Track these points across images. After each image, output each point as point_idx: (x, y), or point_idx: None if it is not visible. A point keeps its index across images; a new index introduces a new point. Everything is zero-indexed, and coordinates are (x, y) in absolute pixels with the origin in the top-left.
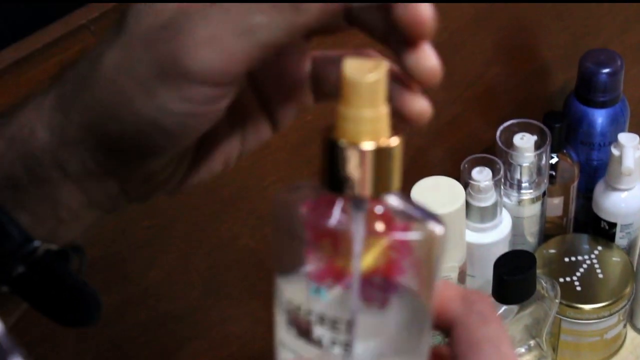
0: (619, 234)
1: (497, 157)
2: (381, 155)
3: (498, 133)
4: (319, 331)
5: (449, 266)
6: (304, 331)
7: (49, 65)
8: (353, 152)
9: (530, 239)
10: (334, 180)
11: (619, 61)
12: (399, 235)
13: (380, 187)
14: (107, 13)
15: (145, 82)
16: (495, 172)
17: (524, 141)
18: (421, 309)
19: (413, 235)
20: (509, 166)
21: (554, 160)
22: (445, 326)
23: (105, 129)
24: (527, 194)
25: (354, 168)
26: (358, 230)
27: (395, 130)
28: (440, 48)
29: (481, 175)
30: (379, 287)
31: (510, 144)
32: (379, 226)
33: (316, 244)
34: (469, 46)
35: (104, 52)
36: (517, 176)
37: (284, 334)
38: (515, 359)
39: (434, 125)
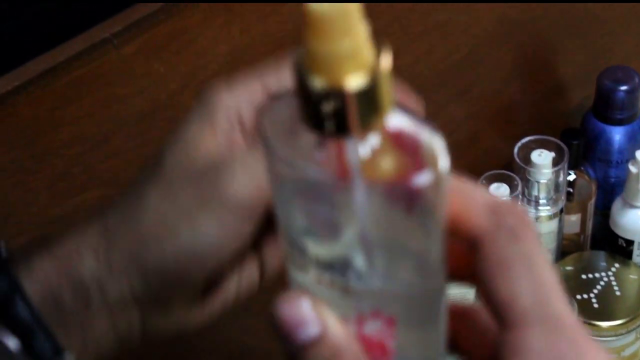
0: (636, 252)
1: (515, 173)
2: (369, 87)
3: (516, 150)
4: (316, 269)
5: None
6: (301, 266)
7: (72, 78)
8: (336, 93)
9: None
10: (318, 122)
11: (636, 79)
12: (405, 183)
13: (373, 118)
14: (130, 27)
15: (187, 210)
16: (512, 189)
17: (542, 158)
18: (437, 224)
19: (421, 180)
20: (527, 183)
21: (571, 177)
22: (470, 240)
23: (146, 255)
24: (545, 211)
25: (340, 110)
26: (356, 171)
27: (379, 45)
28: (459, 64)
29: (499, 192)
30: (401, 192)
31: (527, 161)
32: (381, 165)
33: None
34: (488, 63)
35: (146, 187)
36: (535, 193)
37: (289, 265)
38: (553, 278)
39: (452, 141)
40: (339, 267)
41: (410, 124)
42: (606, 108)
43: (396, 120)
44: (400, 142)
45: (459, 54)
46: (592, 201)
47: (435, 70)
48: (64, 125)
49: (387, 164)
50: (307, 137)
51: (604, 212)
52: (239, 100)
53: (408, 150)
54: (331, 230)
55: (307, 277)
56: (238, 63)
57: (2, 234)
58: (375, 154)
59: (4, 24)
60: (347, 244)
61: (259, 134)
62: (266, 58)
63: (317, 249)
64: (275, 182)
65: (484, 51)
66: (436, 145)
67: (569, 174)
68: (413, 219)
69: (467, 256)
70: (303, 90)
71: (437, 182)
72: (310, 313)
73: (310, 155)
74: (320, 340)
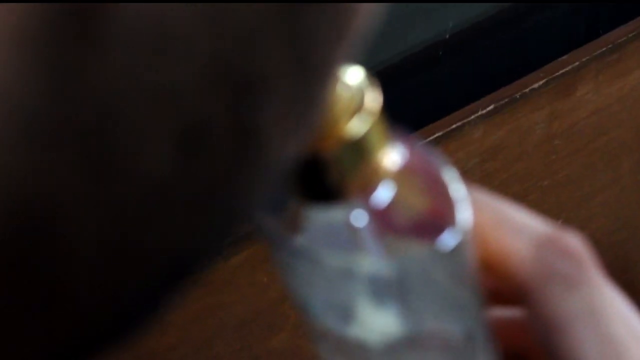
0: None
1: None
2: (350, 144)
3: None
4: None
5: None
6: (320, 340)
7: None
8: (310, 161)
9: None
10: (310, 191)
11: None
12: (430, 245)
13: (368, 172)
14: (238, 239)
15: None
16: None
17: None
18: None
19: (446, 241)
20: None
21: None
22: (515, 296)
23: None
24: None
25: (319, 175)
26: (367, 234)
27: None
28: None
29: None
30: (426, 225)
31: None
32: (403, 222)
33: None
34: None
35: None
36: None
37: (312, 339)
38: (629, 332)
39: None
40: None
41: (418, 155)
42: None
43: (401, 155)
44: (415, 178)
45: None
46: None
47: None
48: (170, 330)
49: (413, 208)
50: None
51: None
52: None
53: (429, 184)
54: (350, 305)
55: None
56: None
57: None
58: (392, 202)
59: None
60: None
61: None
62: None
63: (336, 324)
64: (287, 269)
65: None
66: (451, 178)
67: None
68: (439, 265)
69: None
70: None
71: (463, 228)
72: None
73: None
74: None
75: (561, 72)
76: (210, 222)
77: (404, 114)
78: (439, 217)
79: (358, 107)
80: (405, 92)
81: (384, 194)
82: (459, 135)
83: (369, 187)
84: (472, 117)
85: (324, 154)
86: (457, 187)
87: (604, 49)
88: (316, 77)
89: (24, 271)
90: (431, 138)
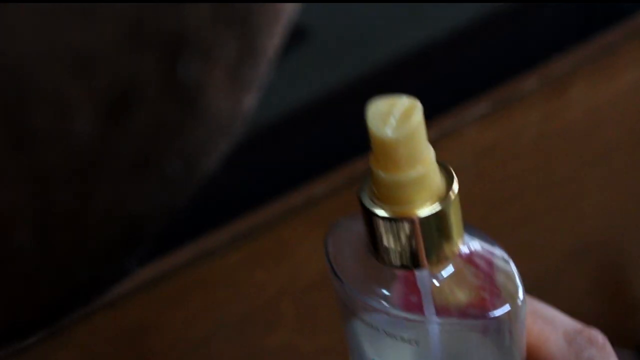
0: None
1: None
2: (440, 216)
3: None
4: None
5: None
6: None
7: (180, 284)
8: (401, 224)
9: None
10: (387, 254)
11: None
12: (475, 319)
13: (444, 249)
14: (235, 237)
15: None
16: None
17: None
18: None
19: (499, 313)
20: None
21: None
22: None
23: None
24: None
25: (407, 241)
26: (429, 308)
27: (448, 174)
28: (537, 283)
29: None
30: (477, 323)
31: None
32: (455, 296)
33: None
34: (565, 282)
35: None
36: None
37: None
38: None
39: None
40: None
41: (483, 248)
42: None
43: (468, 245)
44: (474, 269)
45: (536, 272)
46: None
47: None
48: (169, 328)
49: (462, 295)
50: (376, 268)
51: None
52: None
53: (483, 278)
54: None
55: None
56: None
57: None
58: (449, 282)
59: None
60: None
61: (328, 262)
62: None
63: None
64: (345, 313)
65: (561, 270)
66: (511, 272)
67: None
68: (488, 344)
69: None
70: (370, 220)
71: (515, 312)
72: None
73: (378, 288)
74: None
75: (554, 73)
76: (157, 179)
77: None
78: (490, 301)
79: (442, 190)
80: (400, 93)
81: (451, 271)
82: (453, 135)
83: (441, 263)
84: (467, 117)
85: (410, 224)
86: (516, 279)
87: (597, 50)
88: (254, 32)
89: None
90: None
